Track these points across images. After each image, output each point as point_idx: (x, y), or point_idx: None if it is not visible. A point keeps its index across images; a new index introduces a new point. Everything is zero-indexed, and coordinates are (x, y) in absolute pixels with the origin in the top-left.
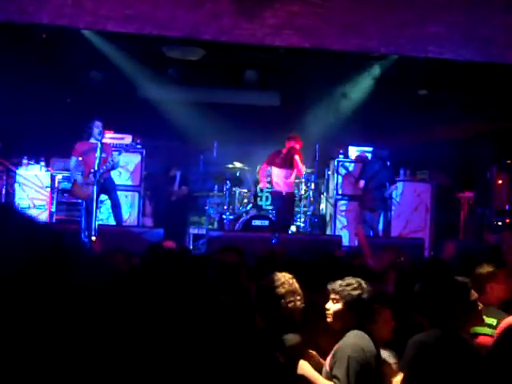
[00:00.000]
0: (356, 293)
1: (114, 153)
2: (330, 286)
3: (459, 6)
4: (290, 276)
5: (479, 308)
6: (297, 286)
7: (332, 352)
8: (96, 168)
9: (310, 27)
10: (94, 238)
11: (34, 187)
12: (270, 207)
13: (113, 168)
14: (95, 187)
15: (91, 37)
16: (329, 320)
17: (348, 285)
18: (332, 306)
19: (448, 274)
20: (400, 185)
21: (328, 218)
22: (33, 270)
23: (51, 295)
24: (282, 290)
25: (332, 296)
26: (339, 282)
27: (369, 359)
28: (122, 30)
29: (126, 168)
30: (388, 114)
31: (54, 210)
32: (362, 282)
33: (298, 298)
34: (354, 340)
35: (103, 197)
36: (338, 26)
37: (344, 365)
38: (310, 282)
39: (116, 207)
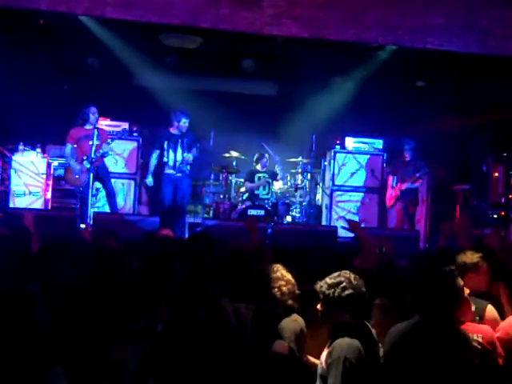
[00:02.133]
0: (346, 293)
1: (109, 140)
2: (317, 288)
3: None
4: (276, 265)
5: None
6: (283, 272)
7: (328, 350)
8: (93, 155)
9: (309, 17)
10: (83, 226)
11: (30, 174)
12: (267, 196)
13: (104, 155)
14: (91, 174)
15: (89, 23)
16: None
17: (337, 284)
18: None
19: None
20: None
21: (324, 209)
22: None
23: None
24: (266, 279)
25: (321, 297)
26: (327, 281)
27: (364, 358)
28: (120, 17)
29: (122, 156)
30: (385, 105)
31: (49, 196)
32: (351, 278)
33: (283, 283)
34: (350, 340)
35: (99, 184)
36: (337, 16)
37: (339, 367)
38: (303, 273)
39: (110, 196)
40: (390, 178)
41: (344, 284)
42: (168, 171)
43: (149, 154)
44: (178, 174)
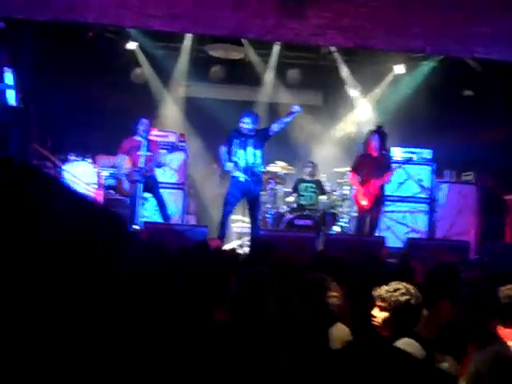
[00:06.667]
0: (404, 298)
1: (160, 151)
2: (375, 293)
3: (507, 6)
4: (324, 275)
5: None
6: (334, 283)
7: None
8: (141, 166)
9: (354, 27)
10: (137, 227)
11: (80, 183)
12: (314, 207)
13: (159, 166)
14: (141, 185)
15: (136, 35)
16: (376, 326)
17: (395, 290)
18: (379, 314)
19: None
20: (445, 186)
21: None
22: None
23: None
24: (323, 286)
25: (378, 303)
26: (385, 287)
27: None
28: (167, 29)
29: (170, 166)
30: (432, 114)
31: None
32: (409, 287)
33: (335, 294)
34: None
35: (147, 194)
36: (382, 26)
37: None
38: (352, 282)
39: (161, 205)
40: None
41: (402, 291)
42: (236, 174)
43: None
44: (248, 178)
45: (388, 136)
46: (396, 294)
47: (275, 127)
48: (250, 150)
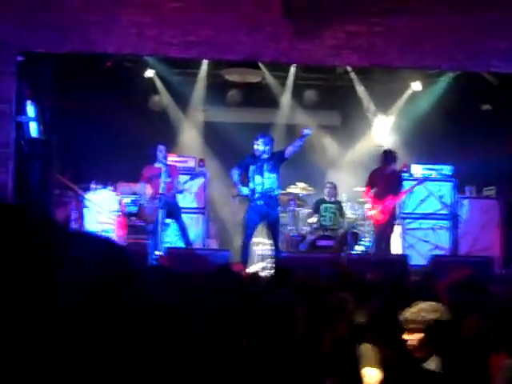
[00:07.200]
0: (432, 316)
1: (180, 176)
2: (402, 317)
3: None
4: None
5: None
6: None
7: None
8: (161, 192)
9: (368, 46)
10: (159, 253)
11: (102, 211)
12: (335, 227)
13: (179, 192)
14: (161, 211)
15: (154, 63)
16: (410, 349)
17: (422, 310)
18: (410, 337)
19: None
20: (466, 202)
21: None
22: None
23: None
24: (349, 307)
25: (407, 326)
26: (411, 309)
27: None
28: (183, 55)
29: (190, 191)
30: (451, 130)
31: (121, 233)
32: (435, 304)
33: (360, 314)
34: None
35: (169, 220)
36: (397, 44)
37: None
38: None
39: (183, 231)
40: None
41: (429, 309)
42: (254, 200)
43: (216, 189)
44: (262, 203)
45: (400, 157)
46: (423, 313)
47: (290, 150)
48: (266, 174)
